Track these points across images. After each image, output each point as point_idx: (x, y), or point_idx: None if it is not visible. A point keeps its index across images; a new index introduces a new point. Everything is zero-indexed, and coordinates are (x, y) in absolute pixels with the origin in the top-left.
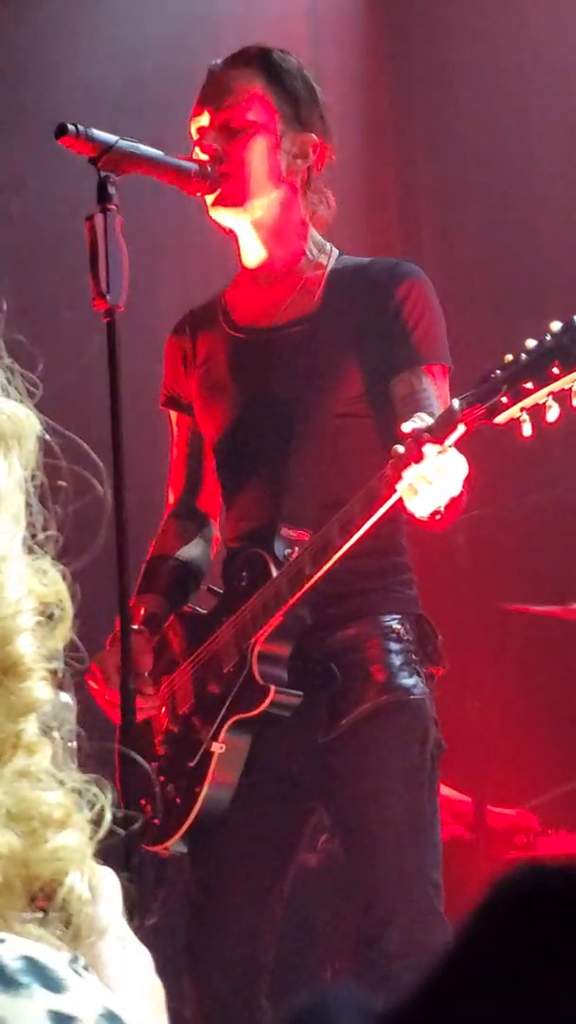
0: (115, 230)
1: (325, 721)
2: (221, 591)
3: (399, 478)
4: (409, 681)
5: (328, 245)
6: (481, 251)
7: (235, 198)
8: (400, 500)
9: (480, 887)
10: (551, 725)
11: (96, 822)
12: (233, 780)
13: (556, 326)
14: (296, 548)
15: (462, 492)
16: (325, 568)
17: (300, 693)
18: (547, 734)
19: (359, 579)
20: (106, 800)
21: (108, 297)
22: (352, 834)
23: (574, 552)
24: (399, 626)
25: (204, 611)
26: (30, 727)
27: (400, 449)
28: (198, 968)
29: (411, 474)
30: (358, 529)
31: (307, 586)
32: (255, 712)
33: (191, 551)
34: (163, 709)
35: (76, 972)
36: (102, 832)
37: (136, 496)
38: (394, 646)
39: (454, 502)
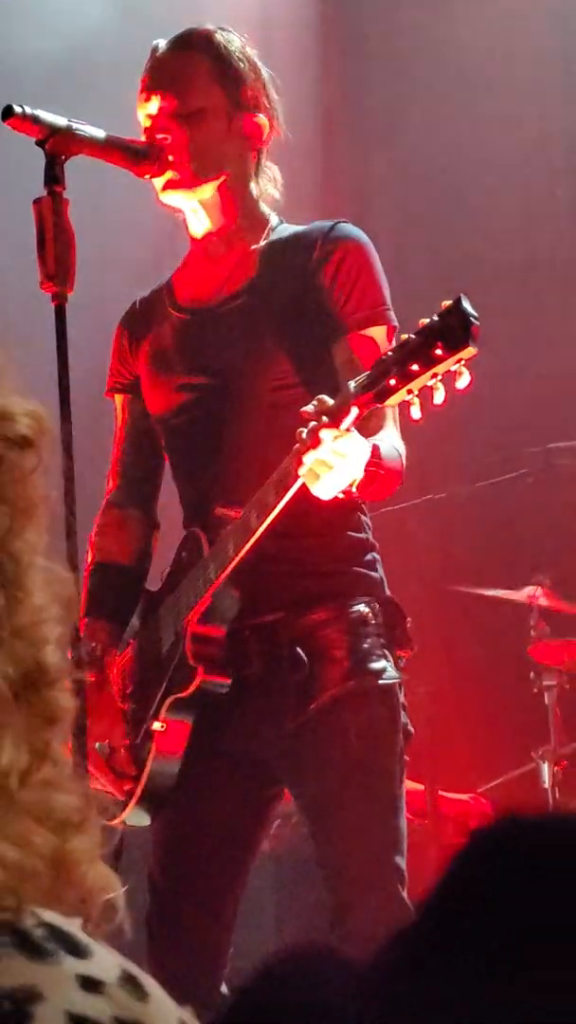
0: (63, 213)
1: (293, 707)
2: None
3: (300, 463)
4: (378, 665)
5: (271, 214)
6: (431, 227)
7: (186, 182)
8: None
9: (434, 874)
10: (503, 710)
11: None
12: (179, 751)
13: (445, 304)
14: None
15: (389, 466)
16: (244, 550)
17: (228, 675)
18: (499, 719)
19: (324, 562)
20: (116, 808)
21: (56, 281)
22: (318, 820)
23: (526, 537)
24: (367, 609)
25: (154, 589)
26: (57, 736)
27: (303, 433)
28: (157, 953)
29: (310, 459)
30: (271, 512)
31: (229, 567)
32: (188, 693)
33: (134, 550)
34: (115, 688)
35: (92, 938)
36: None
37: (85, 486)
38: (363, 630)
39: (381, 476)
